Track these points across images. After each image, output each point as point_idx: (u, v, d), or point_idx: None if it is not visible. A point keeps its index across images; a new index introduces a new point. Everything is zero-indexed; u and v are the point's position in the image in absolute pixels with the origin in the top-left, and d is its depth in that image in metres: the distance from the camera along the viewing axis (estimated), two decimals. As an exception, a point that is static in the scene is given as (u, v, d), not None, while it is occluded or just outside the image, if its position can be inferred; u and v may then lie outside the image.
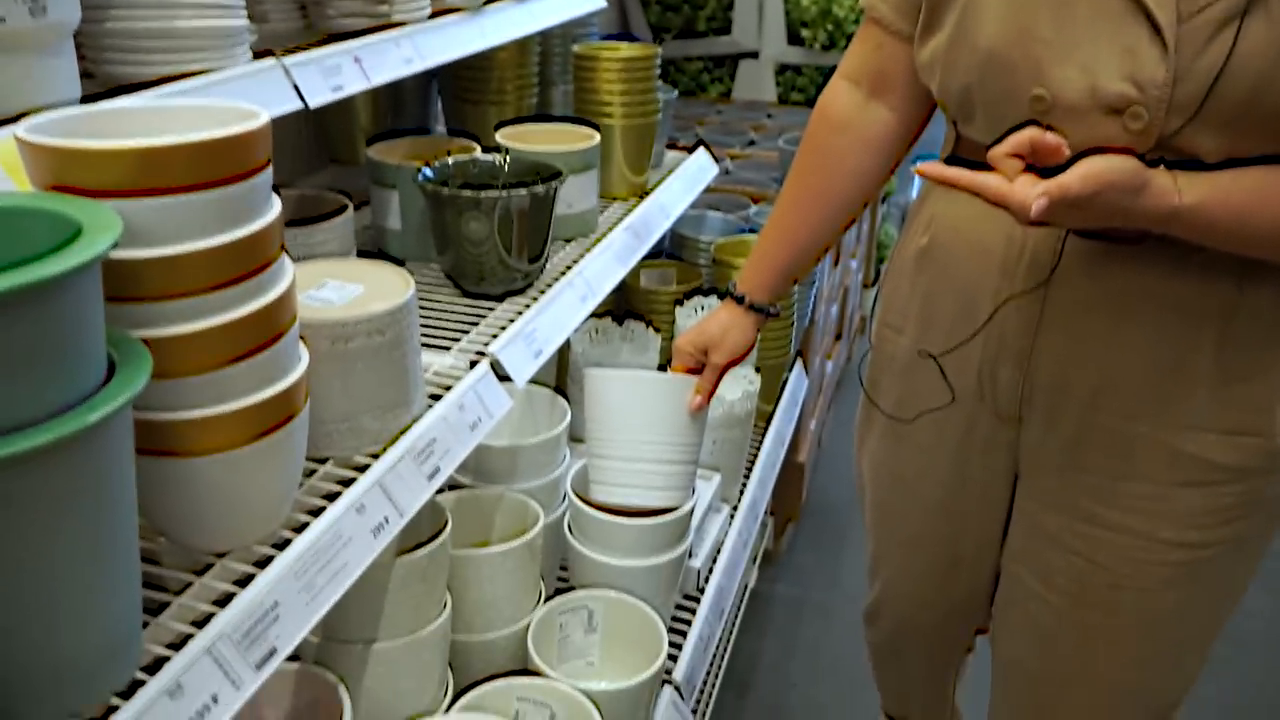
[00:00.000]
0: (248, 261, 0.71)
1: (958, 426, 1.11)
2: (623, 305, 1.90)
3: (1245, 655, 2.09)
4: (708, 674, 1.85)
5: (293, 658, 0.98)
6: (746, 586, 2.17)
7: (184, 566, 0.80)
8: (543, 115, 1.69)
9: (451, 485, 1.30)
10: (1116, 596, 1.08)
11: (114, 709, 0.65)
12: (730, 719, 1.95)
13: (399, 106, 1.74)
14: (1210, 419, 0.98)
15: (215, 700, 0.68)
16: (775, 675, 2.09)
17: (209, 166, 0.67)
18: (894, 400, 1.18)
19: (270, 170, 0.74)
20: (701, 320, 1.25)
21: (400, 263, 1.34)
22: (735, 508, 1.65)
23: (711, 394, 1.23)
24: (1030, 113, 0.92)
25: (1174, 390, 0.98)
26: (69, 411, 0.57)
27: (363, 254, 1.39)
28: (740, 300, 1.21)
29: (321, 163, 1.72)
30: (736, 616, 2.04)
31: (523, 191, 1.19)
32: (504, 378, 1.11)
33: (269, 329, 0.74)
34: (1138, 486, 1.03)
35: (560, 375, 1.71)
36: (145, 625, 0.72)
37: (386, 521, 0.87)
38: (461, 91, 1.65)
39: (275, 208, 0.74)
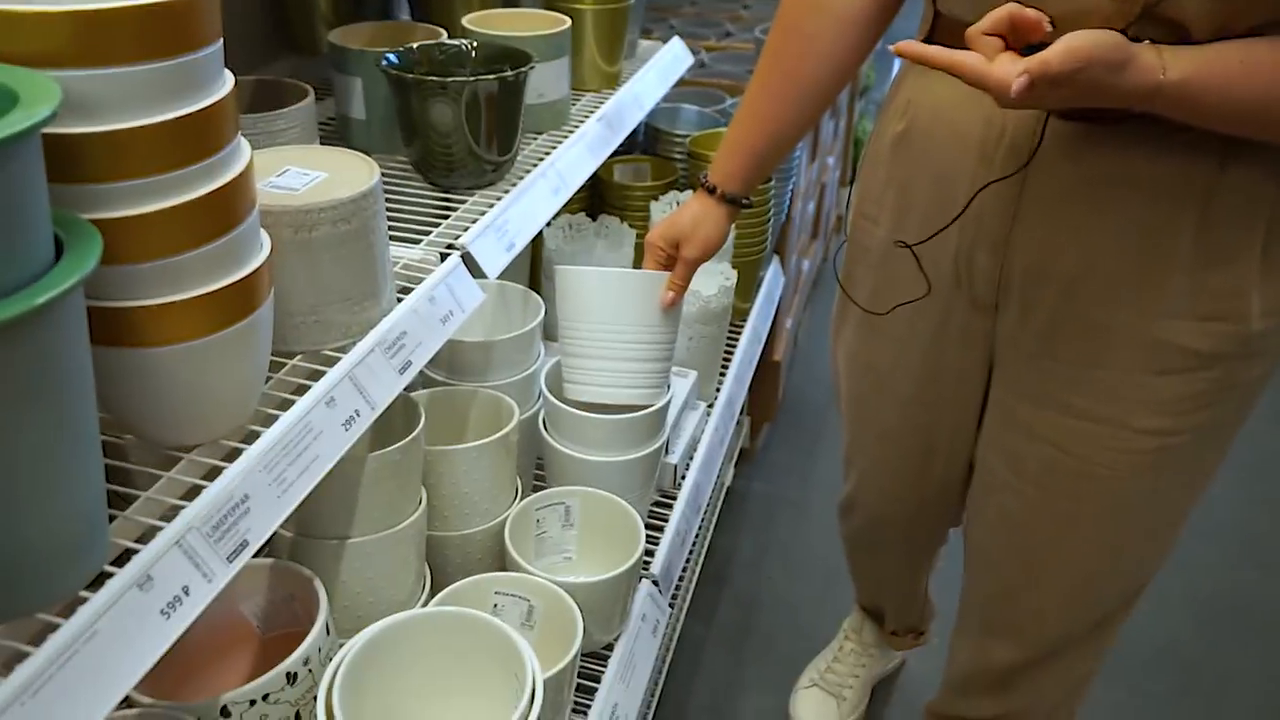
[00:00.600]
0: (201, 140, 0.68)
1: (933, 317, 1.11)
2: (597, 200, 1.86)
3: (1209, 545, 2.14)
4: (685, 568, 1.87)
5: (268, 554, 0.97)
6: (723, 484, 2.18)
7: (151, 463, 0.78)
8: (511, 2, 1.62)
9: (425, 382, 1.28)
10: (1086, 485, 1.08)
11: (84, 600, 0.63)
12: (707, 612, 1.99)
13: (361, -7, 1.66)
14: (1186, 306, 0.97)
15: (186, 592, 0.67)
16: (751, 570, 2.13)
17: (155, 35, 0.63)
18: (869, 292, 1.17)
19: (220, 43, 0.69)
20: (672, 214, 1.21)
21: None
22: (711, 405, 1.65)
23: (683, 289, 1.20)
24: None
25: (1151, 276, 0.97)
26: (14, 294, 0.55)
27: (326, 144, 1.34)
28: (712, 191, 1.17)
29: (280, 52, 1.64)
30: (714, 514, 2.06)
31: (491, 78, 1.14)
32: (476, 272, 1.08)
33: (226, 213, 0.71)
34: (1111, 375, 1.03)
35: (534, 272, 1.68)
36: (112, 520, 0.71)
37: (357, 414, 0.86)
38: (423, -25, 1.58)
39: (227, 84, 0.70)
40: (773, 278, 2.07)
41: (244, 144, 0.74)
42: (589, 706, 1.10)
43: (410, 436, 0.95)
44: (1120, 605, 1.20)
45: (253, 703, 0.78)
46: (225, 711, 0.78)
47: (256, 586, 0.92)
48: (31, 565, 0.61)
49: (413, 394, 1.20)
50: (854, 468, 1.37)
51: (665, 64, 1.81)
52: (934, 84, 1.02)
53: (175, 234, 0.68)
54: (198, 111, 0.67)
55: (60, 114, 0.61)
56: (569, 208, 1.74)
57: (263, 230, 0.79)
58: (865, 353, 1.21)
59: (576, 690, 1.11)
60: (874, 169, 1.14)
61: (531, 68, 1.19)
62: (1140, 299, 0.98)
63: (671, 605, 1.75)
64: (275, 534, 0.97)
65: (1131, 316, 0.99)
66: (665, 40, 1.94)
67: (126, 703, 0.80)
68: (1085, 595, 1.18)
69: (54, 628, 0.61)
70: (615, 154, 1.92)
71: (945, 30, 0.99)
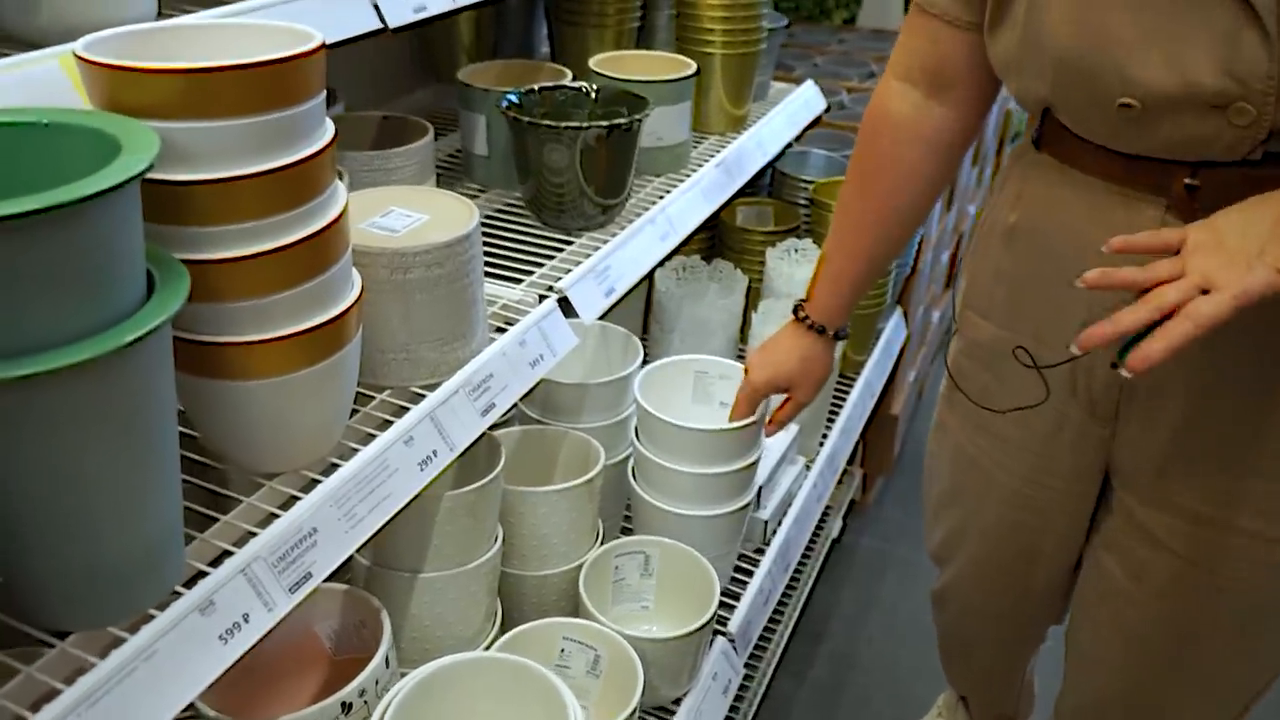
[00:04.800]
0: (297, 188, 0.71)
1: (1047, 420, 1.03)
2: (717, 242, 1.85)
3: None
4: (779, 621, 1.83)
5: (347, 579, 1.00)
6: (829, 537, 2.13)
7: (237, 487, 0.81)
8: (644, 42, 1.65)
9: (521, 418, 1.30)
10: (1217, 598, 1.00)
11: (151, 618, 0.66)
12: (799, 668, 1.94)
13: (504, 27, 1.71)
14: None
15: (246, 619, 0.70)
16: (850, 627, 2.06)
17: (258, 91, 0.66)
18: (979, 387, 1.10)
19: (322, 97, 0.72)
20: (772, 351, 1.18)
21: (483, 190, 1.34)
22: (813, 460, 1.61)
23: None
24: (1118, 119, 0.84)
25: None
26: (106, 330, 0.58)
27: (445, 178, 1.39)
28: (815, 328, 1.15)
29: (425, 80, 1.71)
30: (815, 568, 2.01)
31: (603, 124, 1.15)
32: (573, 315, 1.09)
33: (319, 256, 0.74)
34: (1244, 484, 0.95)
35: (647, 311, 1.69)
36: (192, 541, 0.74)
37: (435, 455, 0.87)
38: (563, 14, 1.61)
39: (327, 134, 0.73)
40: (893, 330, 2.02)
41: (340, 190, 0.77)
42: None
43: (488, 478, 0.96)
44: (1255, 695, 1.11)
45: (308, 728, 0.80)
46: (283, 734, 0.80)
47: (331, 610, 0.95)
48: (107, 583, 0.65)
49: (503, 431, 1.22)
50: (950, 564, 1.30)
51: (795, 108, 1.79)
52: (1047, 173, 0.96)
53: (268, 276, 0.71)
54: (295, 163, 0.69)
55: (166, 162, 0.66)
56: (686, 249, 1.74)
57: (355, 270, 0.82)
58: (971, 447, 1.15)
59: (640, 743, 1.10)
60: (983, 260, 1.07)
61: (646, 115, 1.20)
62: (1275, 404, 0.90)
63: (757, 661, 1.72)
64: (353, 561, 1.00)
65: (1264, 423, 0.92)
66: (805, 79, 1.92)
67: (191, 709, 0.84)
68: (1215, 696, 1.09)
69: (120, 642, 0.65)
70: (740, 195, 1.91)
71: (1054, 131, 0.94)
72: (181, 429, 0.86)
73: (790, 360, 1.16)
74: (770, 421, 1.23)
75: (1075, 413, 1.01)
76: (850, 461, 2.29)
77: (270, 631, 0.72)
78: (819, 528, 2.12)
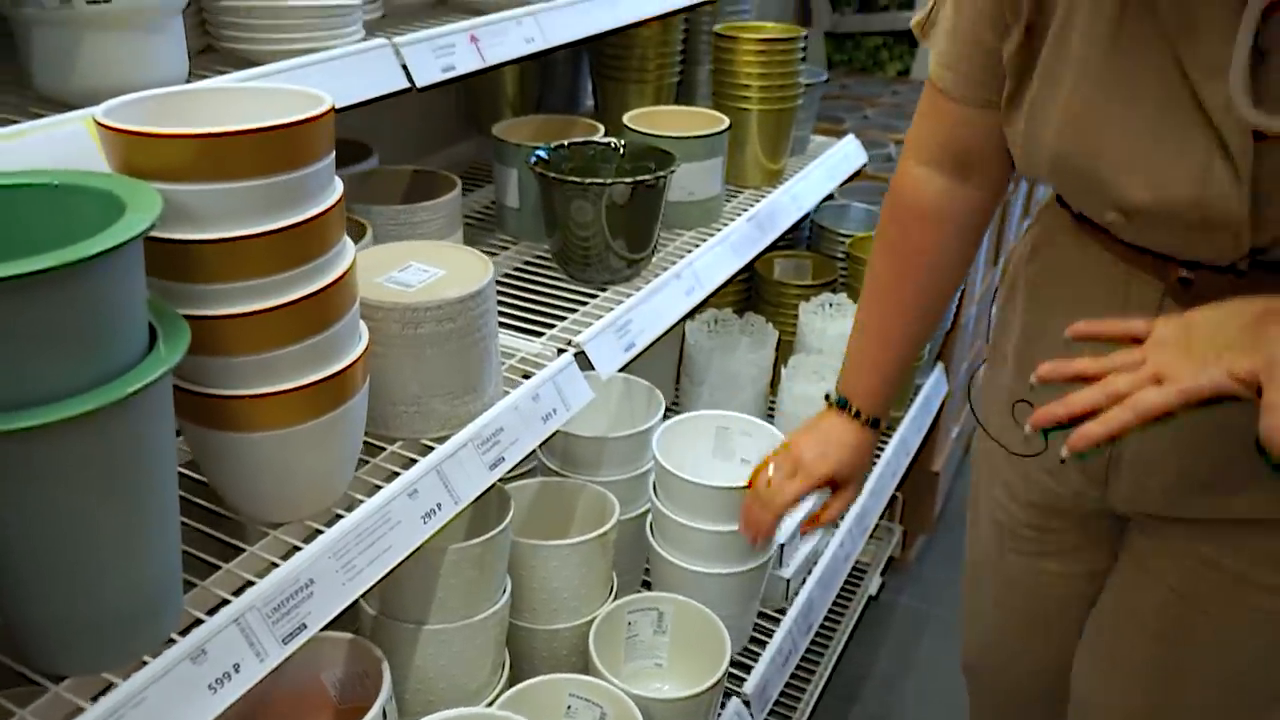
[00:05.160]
0: (304, 245, 0.73)
1: (1039, 486, 1.03)
2: (753, 294, 1.85)
3: None
4: (807, 682, 1.80)
5: (354, 628, 1.01)
6: (866, 595, 2.09)
7: (248, 536, 0.83)
8: (685, 97, 1.66)
9: (542, 469, 1.31)
10: (1205, 636, 0.98)
11: (143, 664, 0.68)
12: (829, 728, 1.90)
13: (549, 82, 1.74)
14: None
15: (237, 669, 0.71)
16: (885, 689, 2.01)
17: (266, 154, 0.68)
18: (995, 430, 1.10)
19: (330, 158, 0.74)
20: (823, 442, 1.11)
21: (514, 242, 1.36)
22: (840, 519, 1.58)
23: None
24: (1110, 223, 0.86)
25: None
26: (106, 384, 0.60)
27: (480, 229, 1.41)
28: (860, 417, 1.11)
29: (469, 133, 1.75)
30: (848, 627, 1.97)
31: (628, 180, 1.17)
32: (589, 368, 1.10)
33: (324, 312, 0.76)
34: (1242, 532, 0.92)
35: (679, 363, 1.69)
36: (193, 588, 0.76)
37: (439, 508, 0.88)
38: (604, 69, 1.64)
39: (334, 194, 0.75)
40: (933, 386, 1.99)
41: (348, 246, 0.79)
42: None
43: (494, 532, 0.96)
44: None
45: (301, 778, 0.81)
46: (275, 782, 0.81)
47: (336, 658, 0.96)
48: (103, 629, 0.66)
49: (521, 483, 1.22)
50: (972, 627, 1.28)
51: (835, 162, 1.79)
52: (1064, 233, 0.95)
53: (273, 331, 0.73)
54: (301, 222, 0.71)
55: (175, 222, 0.68)
56: (719, 301, 1.74)
57: (363, 324, 0.83)
58: (989, 501, 1.14)
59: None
60: (1006, 308, 1.07)
61: (671, 172, 1.21)
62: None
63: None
64: (360, 609, 1.01)
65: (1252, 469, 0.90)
66: (850, 131, 1.92)
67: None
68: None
69: (112, 688, 0.66)
70: (777, 247, 1.91)
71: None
72: (194, 476, 0.89)
73: (843, 453, 1.11)
74: (814, 520, 1.17)
75: (1072, 475, 1.00)
76: (890, 518, 2.26)
77: (261, 681, 0.73)
78: (854, 585, 2.09)
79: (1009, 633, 1.19)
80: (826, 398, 1.14)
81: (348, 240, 0.79)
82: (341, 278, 0.76)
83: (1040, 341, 1.00)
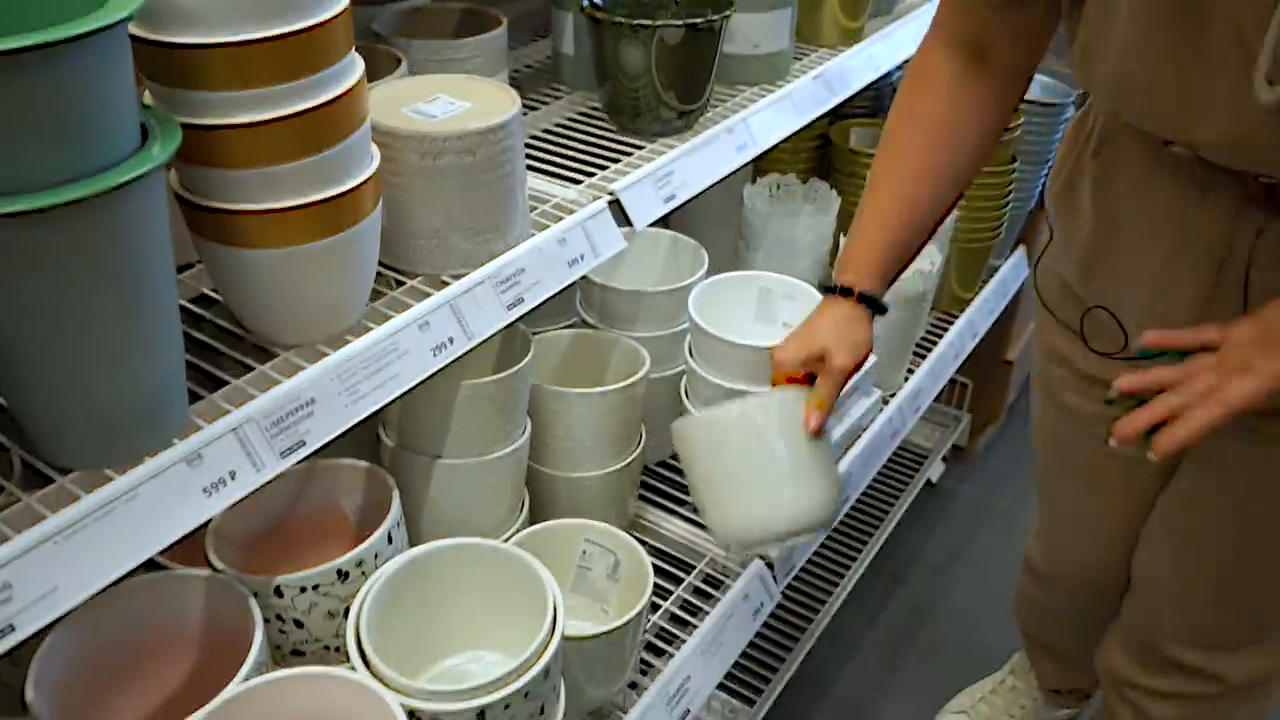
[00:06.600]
0: (305, 55, 0.71)
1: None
2: (824, 163, 1.78)
3: None
4: (853, 560, 1.79)
5: (374, 459, 1.03)
6: (924, 481, 2.06)
7: (259, 357, 0.84)
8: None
9: (582, 323, 1.30)
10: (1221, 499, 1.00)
11: (142, 463, 0.70)
12: (873, 609, 1.90)
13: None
14: None
15: (233, 476, 0.73)
16: (933, 574, 2.00)
17: (261, -46, 0.66)
18: (1061, 310, 1.05)
19: (337, -33, 0.72)
20: (799, 330, 1.00)
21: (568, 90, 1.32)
22: (890, 396, 1.54)
23: (831, 407, 0.95)
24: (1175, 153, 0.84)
25: None
26: (87, 178, 0.60)
27: (537, 77, 1.37)
28: (848, 293, 0.98)
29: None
30: (904, 509, 1.95)
31: (678, 24, 1.11)
32: (624, 221, 1.07)
33: (329, 128, 0.74)
34: None
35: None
36: (199, 399, 0.78)
37: (450, 342, 0.88)
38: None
39: (335, 6, 0.72)
40: (1010, 270, 1.89)
41: (356, 62, 0.77)
42: (660, 671, 1.08)
43: (509, 371, 0.96)
44: None
45: (303, 590, 0.84)
46: (279, 591, 0.84)
47: (355, 485, 0.98)
48: (102, 426, 0.69)
49: (554, 333, 1.22)
50: (1046, 529, 1.26)
51: (922, 24, 1.67)
52: (1123, 139, 0.93)
53: (274, 145, 0.72)
54: (301, 30, 0.70)
55: (175, 24, 0.67)
56: (788, 166, 1.67)
57: (375, 148, 0.82)
58: (1048, 396, 1.11)
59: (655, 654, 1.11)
60: (1068, 195, 1.02)
61: (726, 17, 1.15)
62: None
63: (825, 595, 1.70)
64: (380, 441, 1.03)
65: None
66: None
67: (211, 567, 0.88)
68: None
69: (108, 481, 0.69)
70: (857, 116, 1.82)
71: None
72: (214, 296, 0.90)
73: (818, 329, 0.98)
74: (816, 407, 0.94)
75: None
76: (959, 405, 2.20)
77: (261, 489, 0.75)
78: (911, 469, 2.05)
79: (1076, 518, 1.17)
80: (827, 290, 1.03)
81: (357, 58, 0.77)
82: (346, 94, 0.74)
83: (1107, 265, 0.97)
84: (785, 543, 0.97)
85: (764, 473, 0.91)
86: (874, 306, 0.99)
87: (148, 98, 0.72)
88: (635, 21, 1.12)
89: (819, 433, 0.93)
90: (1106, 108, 0.94)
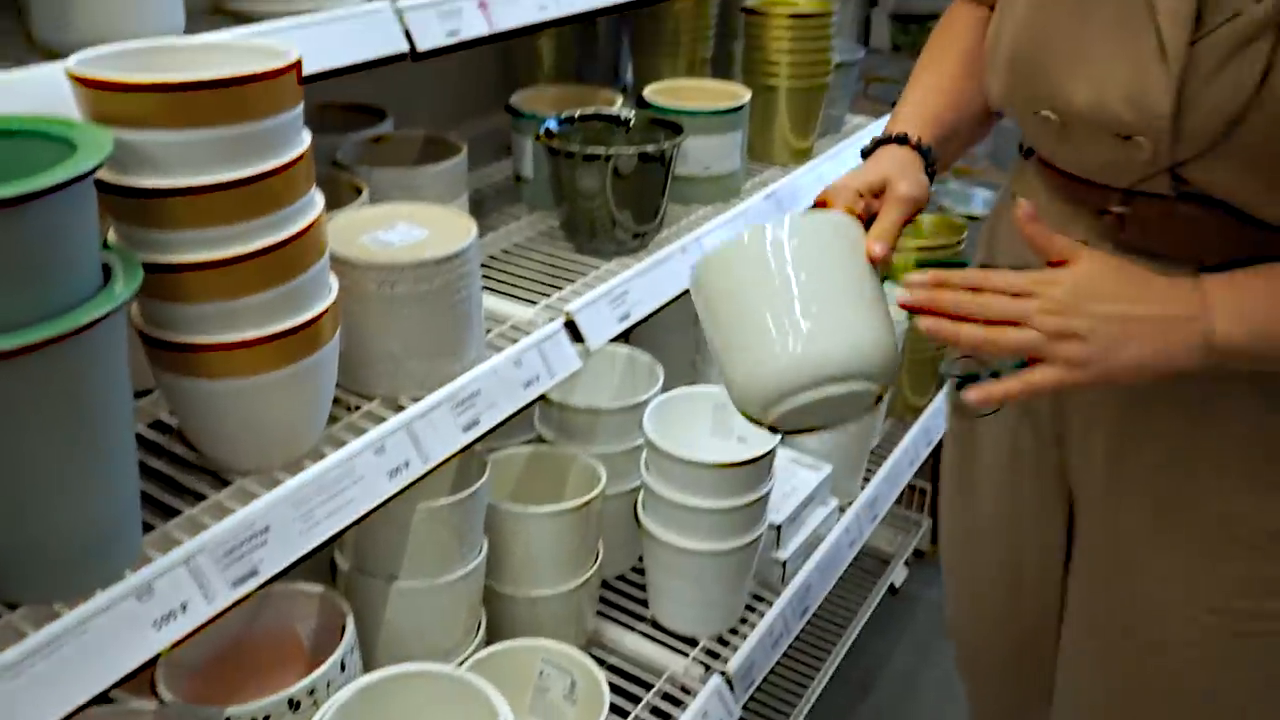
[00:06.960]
0: (266, 196, 0.74)
1: (1003, 441, 1.03)
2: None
3: None
4: (816, 670, 1.78)
5: (329, 583, 1.03)
6: (886, 586, 2.06)
7: (214, 484, 0.85)
8: (719, 72, 1.64)
9: (538, 439, 1.31)
10: (1149, 660, 0.95)
11: (91, 598, 0.70)
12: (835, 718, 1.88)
13: (587, 52, 1.73)
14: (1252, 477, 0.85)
15: (184, 608, 0.73)
16: (901, 682, 1.99)
17: (225, 105, 0.69)
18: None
19: (298, 110, 0.75)
20: (855, 170, 0.91)
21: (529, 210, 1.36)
22: (847, 504, 1.56)
23: (896, 239, 0.83)
24: (1044, 133, 0.85)
25: (1208, 439, 0.86)
26: (44, 321, 0.62)
27: (499, 199, 1.41)
28: (904, 141, 0.92)
29: (506, 101, 1.75)
30: (866, 616, 1.95)
31: (630, 150, 1.16)
32: (579, 340, 1.10)
33: (288, 263, 0.77)
34: (1177, 537, 0.90)
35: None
36: (153, 529, 0.78)
37: (406, 465, 0.89)
38: (641, 41, 1.63)
39: (299, 147, 0.76)
40: (963, 376, 1.94)
41: (316, 199, 0.80)
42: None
43: (465, 493, 0.97)
44: None
45: (254, 720, 0.83)
46: (229, 723, 0.83)
47: (309, 611, 0.98)
48: (53, 561, 0.69)
49: (511, 451, 1.23)
50: (948, 584, 1.26)
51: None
52: (1029, 170, 0.95)
53: (235, 280, 0.75)
54: (263, 174, 0.73)
55: (137, 169, 0.70)
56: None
57: (333, 278, 0.84)
58: (951, 461, 1.13)
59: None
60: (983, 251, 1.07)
61: (676, 145, 1.20)
62: (1197, 460, 0.86)
63: (788, 708, 1.68)
64: (335, 564, 1.03)
65: (1188, 485, 0.88)
66: (880, 114, 1.88)
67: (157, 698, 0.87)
68: None
69: (56, 617, 0.68)
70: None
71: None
72: (170, 423, 0.91)
73: (879, 165, 0.90)
74: (876, 239, 0.82)
75: (1025, 432, 0.99)
76: (919, 509, 2.22)
77: (211, 621, 0.75)
78: (874, 575, 2.06)
79: (983, 589, 1.17)
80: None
81: (317, 194, 0.80)
82: (306, 230, 0.77)
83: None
84: (839, 392, 0.78)
85: (827, 290, 0.78)
86: (929, 161, 0.92)
87: (111, 235, 0.74)
88: (589, 150, 1.17)
89: (885, 262, 0.81)
90: (1002, 98, 0.90)
